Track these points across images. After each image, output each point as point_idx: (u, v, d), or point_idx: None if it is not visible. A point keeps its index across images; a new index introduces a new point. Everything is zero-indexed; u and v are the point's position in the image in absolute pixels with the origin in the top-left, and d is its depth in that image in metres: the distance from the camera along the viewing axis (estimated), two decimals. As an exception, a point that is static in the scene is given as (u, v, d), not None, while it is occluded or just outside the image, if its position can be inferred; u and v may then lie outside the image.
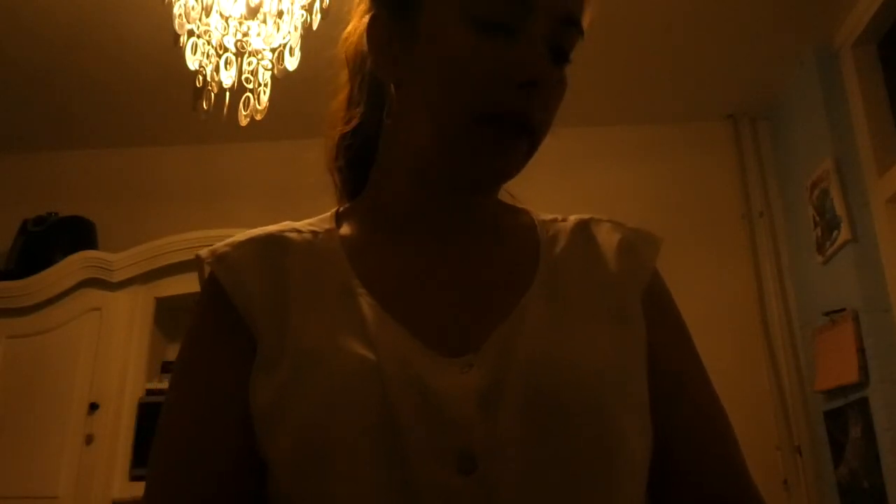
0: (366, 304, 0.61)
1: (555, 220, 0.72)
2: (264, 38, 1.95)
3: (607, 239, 0.70)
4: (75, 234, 3.05)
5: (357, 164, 0.74)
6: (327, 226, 0.69)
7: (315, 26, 1.94)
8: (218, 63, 1.94)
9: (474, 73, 0.61)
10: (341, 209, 0.73)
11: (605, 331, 0.62)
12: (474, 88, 0.61)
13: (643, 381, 0.62)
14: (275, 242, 0.67)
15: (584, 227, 0.71)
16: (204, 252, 0.66)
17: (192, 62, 1.92)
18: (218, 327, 0.63)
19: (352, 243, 0.67)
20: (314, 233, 0.68)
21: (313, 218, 0.71)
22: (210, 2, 1.90)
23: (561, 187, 2.86)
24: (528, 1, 0.61)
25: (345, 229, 0.69)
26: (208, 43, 1.94)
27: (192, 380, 0.63)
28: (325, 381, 0.56)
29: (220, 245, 0.66)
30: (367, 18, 0.69)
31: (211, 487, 0.58)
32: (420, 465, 0.53)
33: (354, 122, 0.73)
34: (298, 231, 0.68)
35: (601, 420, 0.56)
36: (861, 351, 2.40)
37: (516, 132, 0.61)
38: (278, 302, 0.62)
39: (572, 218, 0.73)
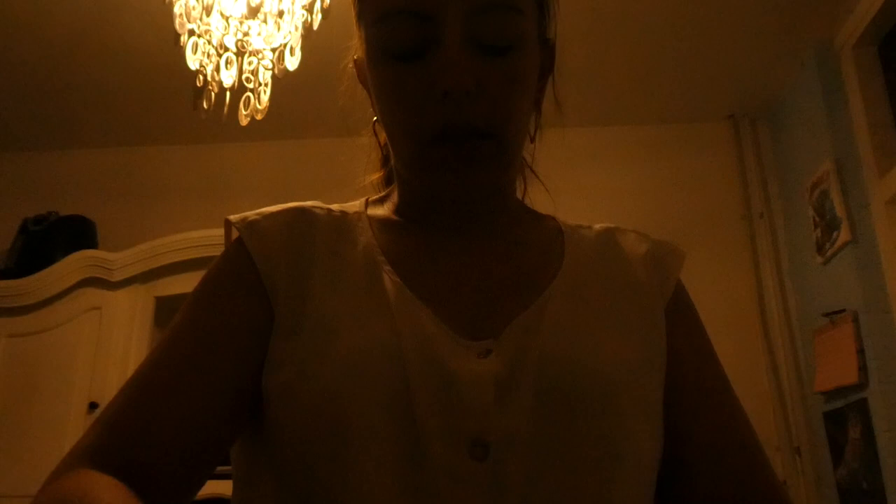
0: (389, 280, 0.62)
1: (580, 227, 0.73)
2: (265, 37, 1.95)
3: (633, 248, 0.70)
4: (75, 233, 3.05)
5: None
6: (357, 209, 0.71)
7: (316, 26, 1.94)
8: (218, 63, 1.94)
9: (401, 102, 0.62)
10: (372, 198, 0.74)
11: (623, 334, 0.63)
12: (405, 116, 0.62)
13: (657, 387, 0.63)
14: (304, 215, 0.68)
15: (609, 235, 0.72)
16: (234, 217, 0.67)
17: (192, 62, 1.92)
18: (236, 282, 0.63)
19: (379, 224, 0.69)
20: (344, 212, 0.70)
21: (344, 203, 0.73)
22: (211, 1, 1.90)
23: (561, 187, 2.84)
24: (428, 19, 0.60)
25: (373, 211, 0.71)
26: (209, 42, 1.94)
27: (196, 321, 0.62)
28: (346, 354, 0.57)
29: (250, 213, 0.67)
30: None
31: (187, 418, 0.58)
32: (433, 447, 0.54)
33: None
34: (329, 210, 0.70)
35: (609, 418, 0.57)
36: (860, 352, 2.40)
37: (462, 143, 0.61)
38: (301, 271, 0.63)
39: (598, 226, 0.73)
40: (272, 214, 0.67)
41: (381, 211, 0.71)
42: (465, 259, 0.66)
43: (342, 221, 0.68)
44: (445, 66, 0.59)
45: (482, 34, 0.60)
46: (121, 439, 0.57)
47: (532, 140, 0.69)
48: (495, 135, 0.62)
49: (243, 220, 0.66)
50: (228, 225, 0.67)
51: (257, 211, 0.68)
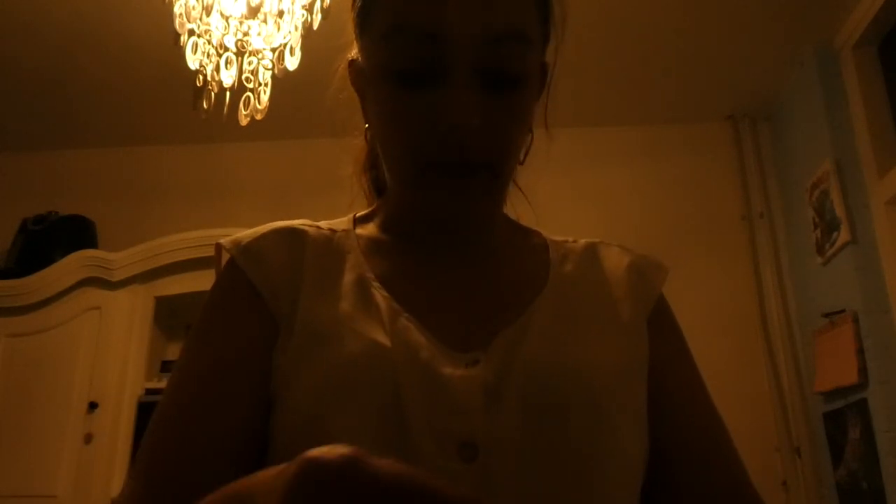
0: (379, 296, 0.63)
1: (565, 242, 0.74)
2: (265, 37, 1.95)
3: (617, 262, 0.72)
4: (75, 232, 3.05)
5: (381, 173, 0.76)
6: (345, 227, 0.71)
7: (316, 26, 1.94)
8: (218, 62, 1.94)
9: (403, 128, 0.62)
10: (359, 214, 0.75)
11: (607, 342, 0.64)
12: (406, 142, 0.62)
13: (642, 391, 0.64)
14: (294, 234, 0.68)
15: (593, 249, 0.73)
16: (225, 241, 0.67)
17: (192, 62, 1.92)
18: (237, 304, 0.64)
19: (368, 242, 0.69)
20: (332, 230, 0.70)
21: (332, 220, 0.73)
22: (210, 1, 1.90)
23: (561, 187, 2.85)
24: (438, 42, 0.59)
25: (361, 230, 0.71)
26: (209, 42, 1.94)
27: (205, 349, 0.62)
28: (336, 359, 0.57)
29: (240, 235, 0.68)
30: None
31: (214, 460, 0.57)
32: (422, 449, 0.54)
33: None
34: (318, 227, 0.70)
35: (596, 419, 0.58)
36: (860, 352, 2.40)
37: (460, 174, 0.61)
38: (294, 287, 0.63)
39: (582, 241, 0.74)
40: (262, 235, 0.67)
41: (369, 228, 0.72)
42: (452, 276, 0.67)
43: (331, 239, 0.69)
44: (453, 101, 0.58)
45: (491, 66, 0.60)
46: (161, 491, 0.56)
47: (521, 162, 0.68)
48: (491, 168, 0.62)
49: (234, 242, 0.67)
50: (219, 249, 0.67)
51: (247, 233, 0.68)
